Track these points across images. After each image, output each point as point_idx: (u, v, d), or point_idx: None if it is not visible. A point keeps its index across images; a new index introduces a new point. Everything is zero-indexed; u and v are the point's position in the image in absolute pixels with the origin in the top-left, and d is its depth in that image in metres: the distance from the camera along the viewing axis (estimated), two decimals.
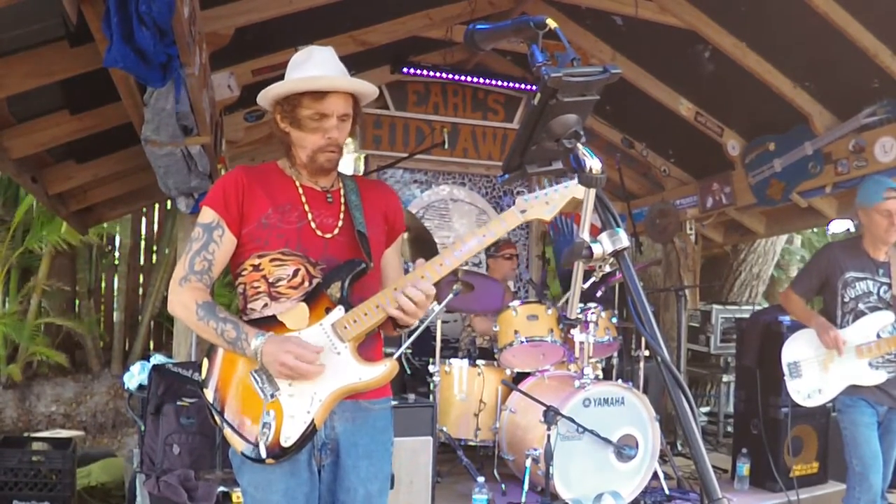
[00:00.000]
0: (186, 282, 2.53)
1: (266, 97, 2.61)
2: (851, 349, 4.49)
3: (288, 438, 2.45)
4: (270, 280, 2.56)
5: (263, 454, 2.45)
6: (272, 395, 2.47)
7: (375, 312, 2.50)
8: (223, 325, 2.45)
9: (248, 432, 2.48)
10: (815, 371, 4.67)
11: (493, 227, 2.55)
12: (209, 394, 2.58)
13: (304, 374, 2.42)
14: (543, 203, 2.54)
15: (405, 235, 2.91)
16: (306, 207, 2.61)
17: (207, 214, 2.56)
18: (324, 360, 2.47)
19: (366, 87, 2.63)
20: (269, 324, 2.52)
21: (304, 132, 2.57)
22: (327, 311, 2.53)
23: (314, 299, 2.54)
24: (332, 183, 2.71)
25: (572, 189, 2.54)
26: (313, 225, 2.60)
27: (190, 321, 2.52)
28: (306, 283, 2.57)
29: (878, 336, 4.47)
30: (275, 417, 2.46)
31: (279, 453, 2.46)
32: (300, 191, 2.64)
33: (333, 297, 2.53)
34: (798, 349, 4.75)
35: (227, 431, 2.52)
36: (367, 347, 2.60)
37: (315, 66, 2.58)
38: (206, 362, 2.62)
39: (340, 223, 2.64)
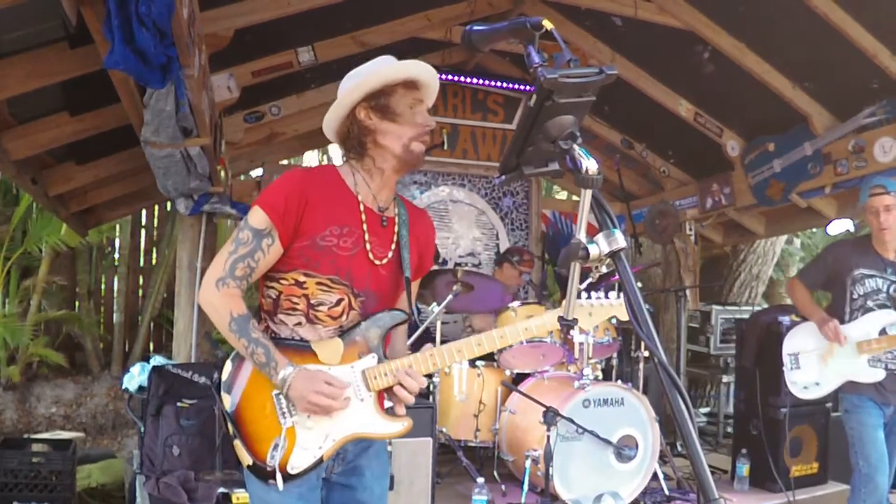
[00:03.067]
0: (224, 285, 2.45)
1: (357, 92, 2.54)
2: (852, 344, 4.49)
3: (295, 468, 2.46)
4: (312, 302, 2.51)
5: (276, 478, 2.43)
6: (290, 422, 2.46)
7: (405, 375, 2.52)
8: (255, 346, 2.41)
9: (257, 449, 2.47)
10: (813, 364, 4.69)
11: (537, 325, 2.63)
12: (227, 400, 2.52)
13: (327, 410, 2.43)
14: (587, 313, 2.72)
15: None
16: (365, 229, 2.55)
17: (261, 219, 2.45)
18: (346, 400, 2.48)
19: (436, 84, 2.67)
20: (302, 350, 2.50)
21: (399, 123, 2.54)
22: (360, 355, 2.52)
23: (350, 339, 2.52)
24: (388, 205, 2.66)
25: (616, 307, 2.71)
26: (368, 248, 2.55)
27: (221, 327, 2.46)
28: (345, 316, 2.53)
29: (881, 334, 4.45)
30: (287, 443, 2.45)
31: (284, 478, 2.45)
32: (362, 210, 2.56)
33: (371, 343, 2.53)
34: (799, 341, 4.79)
35: (237, 443, 2.49)
36: (386, 400, 2.59)
37: (394, 62, 2.59)
38: (229, 365, 2.55)
39: (391, 254, 2.61)
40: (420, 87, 2.59)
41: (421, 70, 2.58)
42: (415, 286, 2.78)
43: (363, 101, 2.54)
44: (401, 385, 2.49)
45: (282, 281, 2.52)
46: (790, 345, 4.82)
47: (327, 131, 2.66)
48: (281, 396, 2.45)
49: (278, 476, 2.42)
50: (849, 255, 4.62)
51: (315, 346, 2.50)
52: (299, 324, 2.52)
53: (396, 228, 2.65)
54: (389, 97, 2.52)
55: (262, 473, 2.45)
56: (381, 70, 2.54)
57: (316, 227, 2.47)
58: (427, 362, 2.54)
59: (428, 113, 2.61)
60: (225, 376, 2.55)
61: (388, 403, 2.54)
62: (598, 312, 2.72)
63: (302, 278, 2.49)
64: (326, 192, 2.52)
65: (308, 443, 2.47)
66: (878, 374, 4.45)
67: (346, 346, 2.52)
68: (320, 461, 2.48)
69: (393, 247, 2.62)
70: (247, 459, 2.47)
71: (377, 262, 2.56)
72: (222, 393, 2.53)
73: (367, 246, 2.54)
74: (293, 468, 2.45)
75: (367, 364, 2.52)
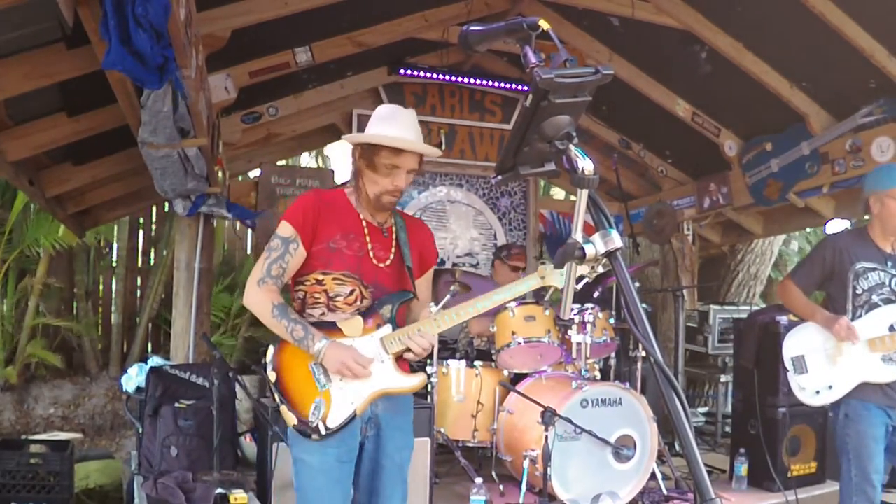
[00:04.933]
0: (264, 283, 3.07)
1: (353, 138, 3.19)
2: (863, 342, 4.18)
3: (334, 421, 3.01)
4: (331, 295, 3.13)
5: (319, 432, 2.98)
6: (325, 386, 3.04)
7: (417, 333, 3.09)
8: (294, 324, 3.01)
9: (301, 411, 3.02)
10: (822, 365, 4.30)
11: (516, 287, 3.31)
12: (271, 375, 3.09)
13: (356, 374, 2.99)
14: (559, 274, 3.26)
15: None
16: (367, 239, 3.17)
17: (287, 229, 3.09)
18: (370, 365, 3.05)
19: (432, 151, 3.21)
20: (330, 328, 3.08)
21: (378, 175, 3.09)
22: (378, 326, 3.13)
23: (368, 315, 3.13)
24: (386, 219, 3.26)
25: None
26: (371, 255, 3.16)
27: (264, 317, 3.07)
28: (358, 302, 3.14)
29: (892, 329, 4.17)
30: (324, 404, 3.02)
31: (324, 433, 3.00)
32: (363, 224, 3.19)
33: (385, 316, 3.14)
34: (802, 342, 4.40)
35: (283, 408, 3.04)
36: (405, 360, 3.20)
37: (400, 126, 3.09)
38: (271, 349, 3.12)
39: (392, 256, 3.21)
40: (404, 153, 3.07)
41: (409, 146, 3.08)
42: (425, 278, 3.41)
43: (358, 146, 3.14)
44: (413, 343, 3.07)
45: (306, 283, 3.16)
46: (792, 348, 4.41)
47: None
48: (316, 366, 3.04)
49: (321, 426, 2.98)
50: (849, 249, 4.29)
51: (340, 323, 3.10)
52: (323, 313, 3.14)
53: (395, 234, 3.26)
54: (375, 155, 3.07)
55: (306, 429, 3.00)
56: (374, 135, 3.09)
57: (328, 234, 3.11)
58: (432, 325, 3.12)
59: (410, 172, 3.14)
60: (268, 358, 3.12)
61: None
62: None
63: (321, 277, 3.12)
64: (335, 207, 3.17)
65: (342, 401, 3.04)
66: (895, 373, 4.17)
67: (365, 321, 3.12)
68: (354, 415, 3.04)
69: (393, 250, 3.22)
70: (292, 420, 3.02)
71: (380, 264, 3.18)
72: (268, 371, 3.10)
73: (371, 253, 3.16)
74: (332, 422, 3.01)
75: (383, 333, 3.12)
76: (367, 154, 3.08)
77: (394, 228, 3.27)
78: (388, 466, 3.19)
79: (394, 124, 3.10)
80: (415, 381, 3.17)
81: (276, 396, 3.07)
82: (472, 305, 3.20)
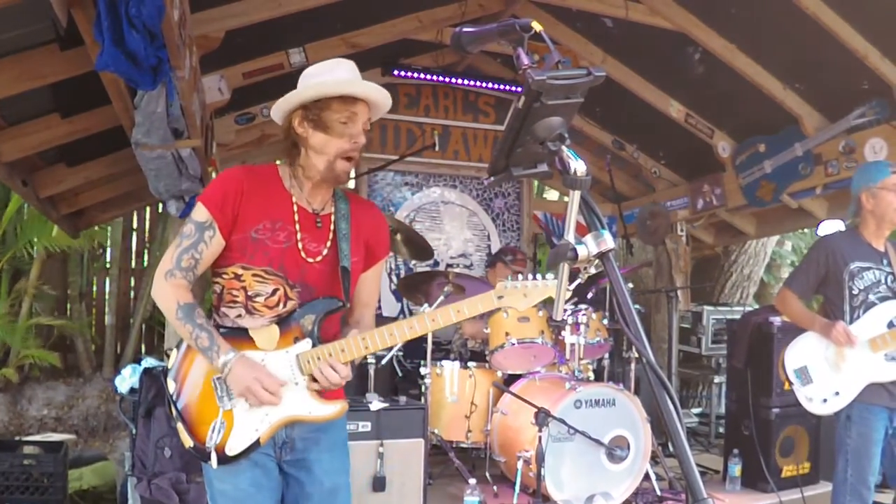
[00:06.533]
0: (172, 276, 2.60)
1: (294, 99, 2.62)
2: (864, 343, 4.12)
3: (233, 448, 2.58)
4: (249, 293, 2.64)
5: (213, 460, 2.57)
6: (229, 406, 2.60)
7: (340, 356, 2.60)
8: (199, 331, 2.55)
9: (198, 432, 2.61)
10: (827, 373, 4.24)
11: (468, 306, 2.72)
12: (172, 385, 2.69)
13: (262, 401, 2.54)
14: (521, 294, 2.71)
15: (386, 259, 3.04)
16: (297, 228, 2.67)
17: (202, 213, 2.62)
18: (281, 388, 2.59)
19: (386, 101, 2.70)
20: (240, 337, 2.63)
21: (331, 135, 2.60)
22: (296, 340, 2.63)
23: (286, 325, 2.64)
24: (324, 206, 2.75)
25: (551, 287, 2.67)
26: (300, 246, 2.67)
27: (169, 317, 2.61)
28: (281, 305, 2.65)
29: (892, 326, 4.12)
30: (225, 426, 2.59)
31: (222, 459, 2.58)
32: (294, 209, 2.69)
33: (305, 328, 2.64)
34: (804, 353, 4.34)
35: (179, 425, 2.64)
36: None
37: (346, 74, 2.65)
38: (175, 353, 2.73)
39: (325, 251, 2.71)
40: (358, 102, 2.62)
41: (359, 90, 2.62)
42: (372, 277, 2.90)
43: (299, 110, 2.62)
44: (318, 372, 2.58)
45: (224, 276, 2.67)
46: (794, 360, 4.35)
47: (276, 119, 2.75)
48: (219, 381, 2.59)
49: (213, 456, 2.56)
50: (841, 249, 4.24)
51: (253, 332, 2.63)
52: (240, 315, 2.66)
53: (333, 225, 2.74)
54: (322, 110, 2.59)
55: (202, 454, 2.59)
56: (323, 83, 2.61)
57: (250, 221, 2.62)
58: (359, 346, 2.60)
59: (364, 128, 2.65)
60: (171, 363, 2.72)
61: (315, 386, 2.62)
62: (534, 293, 2.71)
63: (240, 271, 2.63)
64: (262, 188, 2.67)
65: (245, 425, 2.59)
66: None
67: (282, 331, 2.63)
68: (257, 443, 2.59)
69: (329, 244, 2.71)
70: (188, 441, 2.62)
71: (309, 259, 2.67)
72: (168, 379, 2.70)
73: (299, 244, 2.66)
74: (231, 450, 2.57)
75: (301, 349, 2.62)
76: (314, 113, 2.59)
77: (333, 217, 2.75)
78: (317, 494, 2.71)
79: (337, 74, 2.65)
80: (331, 409, 2.65)
81: (174, 411, 2.66)
82: (410, 325, 2.66)
